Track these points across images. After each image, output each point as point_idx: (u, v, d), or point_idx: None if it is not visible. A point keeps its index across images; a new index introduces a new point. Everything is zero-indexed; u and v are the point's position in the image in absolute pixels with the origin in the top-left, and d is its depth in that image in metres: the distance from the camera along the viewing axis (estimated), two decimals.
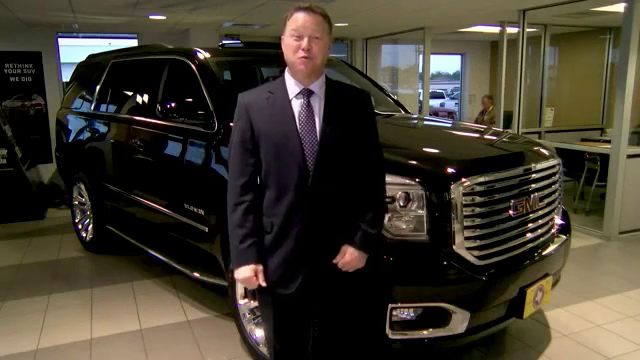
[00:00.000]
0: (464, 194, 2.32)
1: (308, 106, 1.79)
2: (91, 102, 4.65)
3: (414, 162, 2.46)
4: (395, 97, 4.21)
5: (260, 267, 1.82)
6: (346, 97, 1.87)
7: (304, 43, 1.73)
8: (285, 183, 1.77)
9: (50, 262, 4.54)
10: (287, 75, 1.84)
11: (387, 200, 2.24)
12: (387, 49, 10.25)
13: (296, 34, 1.75)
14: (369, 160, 1.88)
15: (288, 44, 1.77)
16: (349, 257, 1.83)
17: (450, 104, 20.97)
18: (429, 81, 8.05)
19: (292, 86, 1.82)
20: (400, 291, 2.29)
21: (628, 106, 4.81)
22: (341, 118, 1.81)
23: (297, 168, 1.75)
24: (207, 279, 3.16)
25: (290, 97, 1.81)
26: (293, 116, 1.78)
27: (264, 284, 1.82)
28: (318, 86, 1.82)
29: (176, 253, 3.53)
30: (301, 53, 1.74)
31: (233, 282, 2.81)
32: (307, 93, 1.80)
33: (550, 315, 3.37)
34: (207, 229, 3.05)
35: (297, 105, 1.80)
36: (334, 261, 1.82)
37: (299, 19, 1.75)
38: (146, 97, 3.90)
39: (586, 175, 5.84)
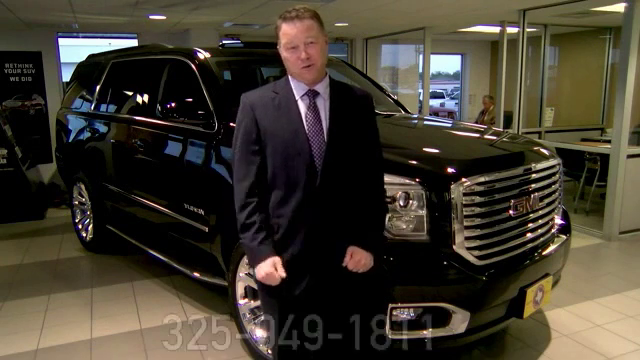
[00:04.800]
0: (464, 194, 2.33)
1: (314, 107, 1.80)
2: (91, 102, 4.64)
3: (414, 162, 2.46)
4: (395, 97, 4.21)
5: (277, 259, 1.79)
6: (350, 98, 1.88)
7: (302, 54, 1.73)
8: (293, 183, 1.76)
9: (50, 262, 4.54)
10: (291, 76, 1.85)
11: (387, 200, 2.25)
12: (387, 49, 10.24)
13: (290, 46, 1.74)
14: (372, 160, 1.88)
15: (287, 58, 1.78)
16: (358, 256, 1.81)
17: (450, 104, 20.98)
18: (429, 81, 8.05)
19: (297, 87, 1.82)
20: (400, 291, 2.29)
21: (628, 106, 4.81)
22: (346, 119, 1.82)
23: (305, 168, 1.75)
24: (207, 279, 3.17)
25: (296, 98, 1.81)
26: (300, 116, 1.78)
27: (284, 275, 1.77)
28: (323, 87, 1.83)
29: (176, 253, 3.53)
30: (301, 64, 1.74)
31: (233, 282, 2.81)
32: (312, 94, 1.81)
33: (550, 315, 3.37)
34: (207, 229, 3.05)
35: (303, 106, 1.81)
36: (343, 264, 1.81)
37: (289, 31, 1.74)
38: (146, 97, 3.90)
39: (586, 175, 5.84)
